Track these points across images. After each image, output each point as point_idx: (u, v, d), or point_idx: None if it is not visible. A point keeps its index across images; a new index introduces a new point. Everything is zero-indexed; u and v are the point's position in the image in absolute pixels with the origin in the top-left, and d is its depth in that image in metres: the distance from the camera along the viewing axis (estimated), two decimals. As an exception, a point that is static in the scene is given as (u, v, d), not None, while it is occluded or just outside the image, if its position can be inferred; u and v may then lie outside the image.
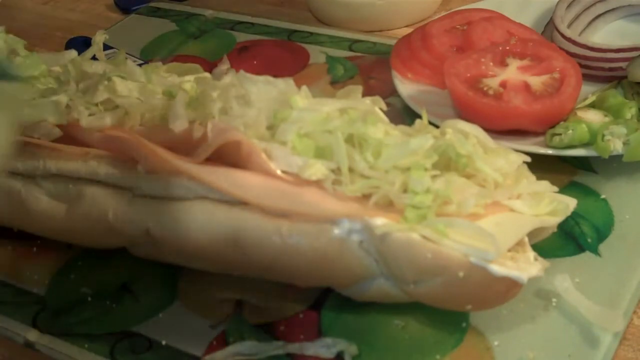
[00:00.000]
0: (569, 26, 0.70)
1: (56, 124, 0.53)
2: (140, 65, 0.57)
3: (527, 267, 0.44)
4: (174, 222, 0.49)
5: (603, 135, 0.56)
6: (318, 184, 0.46)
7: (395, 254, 0.45)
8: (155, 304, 0.54)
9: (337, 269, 0.47)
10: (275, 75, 0.51)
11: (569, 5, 0.72)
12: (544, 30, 0.73)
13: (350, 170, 0.46)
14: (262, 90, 0.49)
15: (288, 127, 0.47)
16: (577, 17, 0.72)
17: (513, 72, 0.61)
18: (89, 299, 0.54)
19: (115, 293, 0.55)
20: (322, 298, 0.52)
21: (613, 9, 0.73)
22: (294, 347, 0.49)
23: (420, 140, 0.45)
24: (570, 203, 0.49)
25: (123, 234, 0.51)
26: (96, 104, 0.54)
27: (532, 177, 0.49)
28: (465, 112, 0.61)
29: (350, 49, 0.79)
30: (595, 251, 0.53)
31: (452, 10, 0.74)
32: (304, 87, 0.51)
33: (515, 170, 0.49)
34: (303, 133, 0.47)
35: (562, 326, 0.48)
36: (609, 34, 0.72)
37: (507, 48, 0.63)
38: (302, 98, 0.49)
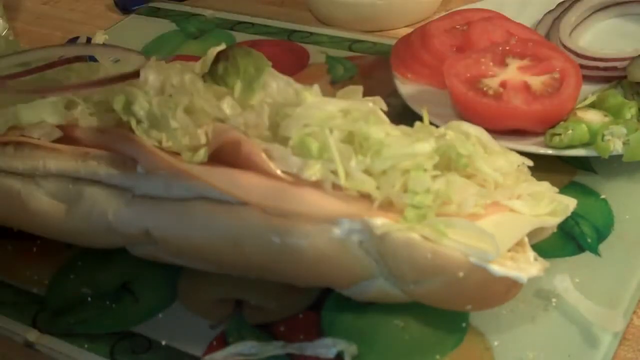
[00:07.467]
0: (572, 30, 0.71)
1: (56, 124, 0.53)
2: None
3: (527, 267, 0.44)
4: (174, 222, 0.49)
5: (603, 135, 0.56)
6: (318, 184, 0.46)
7: (395, 254, 0.45)
8: (155, 304, 0.54)
9: (337, 269, 0.47)
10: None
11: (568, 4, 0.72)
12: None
13: (349, 171, 0.46)
14: (281, 88, 0.50)
15: (292, 123, 0.47)
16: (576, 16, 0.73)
17: (513, 72, 0.61)
18: (89, 299, 0.54)
19: (115, 293, 0.55)
20: (322, 298, 0.52)
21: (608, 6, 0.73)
22: (293, 348, 0.49)
23: (423, 145, 0.45)
24: (570, 203, 0.49)
25: (123, 234, 0.51)
26: (96, 104, 0.54)
27: (531, 179, 0.49)
28: (465, 112, 0.61)
29: (350, 49, 0.79)
30: (595, 251, 0.53)
31: (452, 10, 0.74)
32: (316, 86, 0.51)
33: (515, 171, 0.48)
34: (305, 133, 0.47)
35: (562, 326, 0.48)
36: (609, 33, 0.72)
37: (507, 48, 0.63)
38: (311, 95, 0.49)
